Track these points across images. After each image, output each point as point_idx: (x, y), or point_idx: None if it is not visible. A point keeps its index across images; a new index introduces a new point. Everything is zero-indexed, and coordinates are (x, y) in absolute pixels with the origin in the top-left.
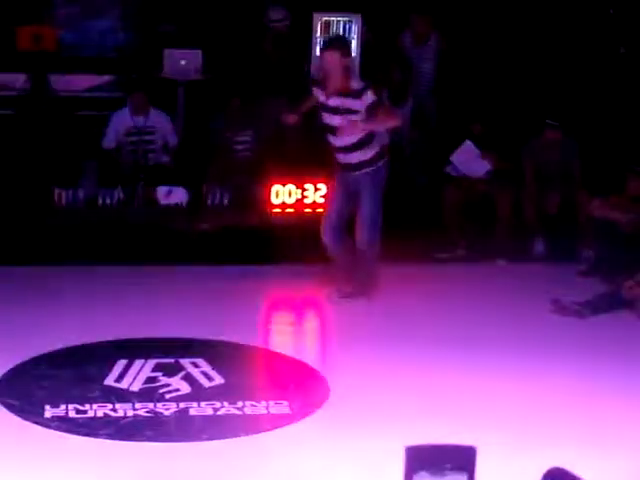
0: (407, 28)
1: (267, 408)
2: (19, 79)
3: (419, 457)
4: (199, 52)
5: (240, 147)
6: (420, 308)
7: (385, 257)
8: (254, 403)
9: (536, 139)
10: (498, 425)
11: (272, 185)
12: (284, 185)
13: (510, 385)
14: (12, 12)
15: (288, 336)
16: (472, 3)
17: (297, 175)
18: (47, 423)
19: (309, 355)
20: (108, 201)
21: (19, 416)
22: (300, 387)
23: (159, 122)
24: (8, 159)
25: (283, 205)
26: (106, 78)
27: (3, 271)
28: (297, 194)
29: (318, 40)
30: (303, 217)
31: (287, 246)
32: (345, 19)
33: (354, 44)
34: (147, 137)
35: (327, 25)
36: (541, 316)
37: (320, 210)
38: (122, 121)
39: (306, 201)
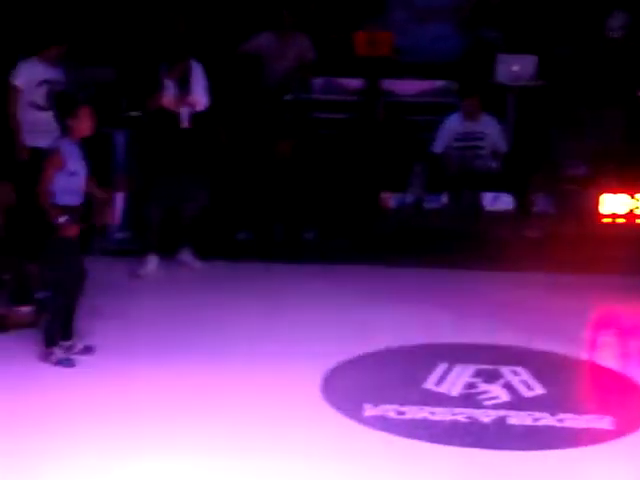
0: None
1: (588, 422)
2: (355, 83)
3: None
4: (534, 58)
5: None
6: None
7: None
8: (575, 416)
9: None
10: None
11: (602, 194)
12: (615, 194)
13: None
14: (349, 17)
15: (612, 349)
16: None
17: (631, 184)
18: (366, 421)
19: (636, 370)
20: (434, 205)
21: (340, 413)
22: (625, 403)
23: (489, 128)
24: (341, 163)
25: (613, 215)
26: (438, 83)
27: (331, 270)
28: (630, 204)
29: None
30: (635, 228)
31: (616, 257)
32: None
33: None
34: (475, 142)
35: None
36: None
37: None
38: (453, 126)
39: (638, 212)
